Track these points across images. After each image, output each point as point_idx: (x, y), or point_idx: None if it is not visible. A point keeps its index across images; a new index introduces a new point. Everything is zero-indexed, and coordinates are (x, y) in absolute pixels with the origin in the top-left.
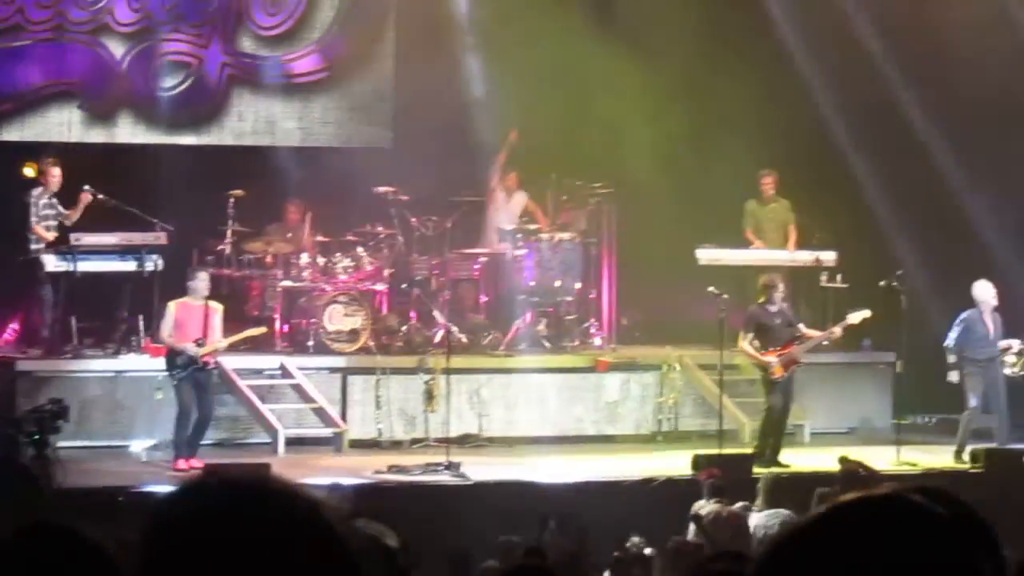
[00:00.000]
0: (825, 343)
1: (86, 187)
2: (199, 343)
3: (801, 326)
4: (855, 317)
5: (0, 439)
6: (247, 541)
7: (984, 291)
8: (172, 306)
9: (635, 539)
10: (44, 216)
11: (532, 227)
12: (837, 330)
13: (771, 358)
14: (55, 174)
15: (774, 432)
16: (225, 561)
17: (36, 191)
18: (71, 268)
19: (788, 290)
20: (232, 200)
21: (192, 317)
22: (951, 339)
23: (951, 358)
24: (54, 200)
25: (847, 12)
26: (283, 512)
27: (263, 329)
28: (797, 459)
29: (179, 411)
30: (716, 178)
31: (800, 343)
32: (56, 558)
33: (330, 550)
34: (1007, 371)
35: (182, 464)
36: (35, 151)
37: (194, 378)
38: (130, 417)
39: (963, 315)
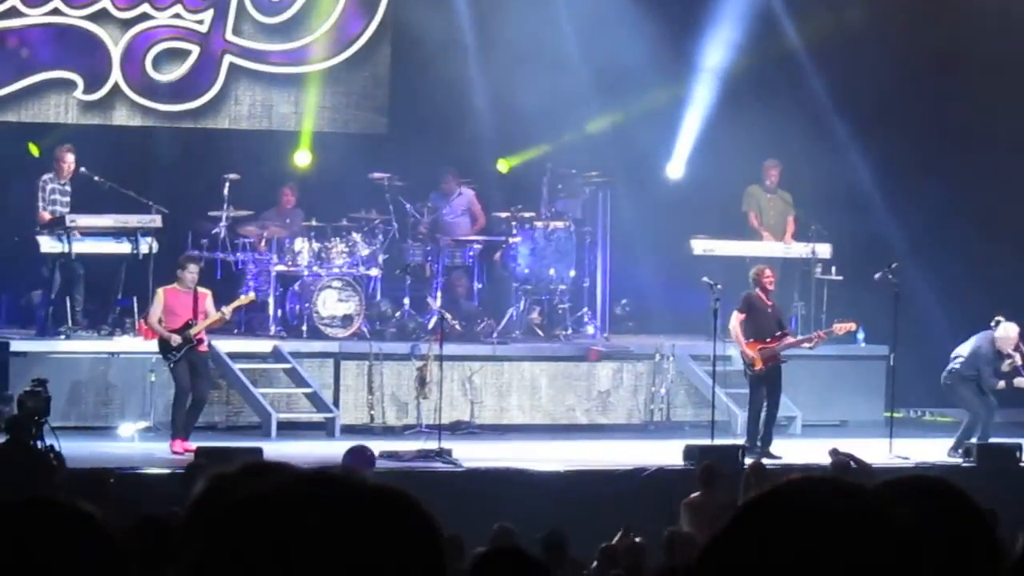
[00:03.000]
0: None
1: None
2: (189, 324)
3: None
4: (840, 328)
5: (10, 423)
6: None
7: (1007, 332)
8: (160, 293)
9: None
10: (52, 202)
11: (527, 215)
12: (815, 339)
13: (752, 352)
14: (69, 161)
15: (765, 423)
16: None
17: (46, 176)
18: (66, 249)
19: (778, 280)
20: (227, 183)
21: (182, 303)
22: (966, 357)
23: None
24: (66, 186)
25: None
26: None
27: (252, 296)
28: (788, 451)
29: (176, 392)
30: (716, 167)
31: (785, 339)
32: (56, 531)
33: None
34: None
35: (177, 446)
36: (33, 133)
37: (189, 360)
38: (122, 399)
39: (980, 336)
